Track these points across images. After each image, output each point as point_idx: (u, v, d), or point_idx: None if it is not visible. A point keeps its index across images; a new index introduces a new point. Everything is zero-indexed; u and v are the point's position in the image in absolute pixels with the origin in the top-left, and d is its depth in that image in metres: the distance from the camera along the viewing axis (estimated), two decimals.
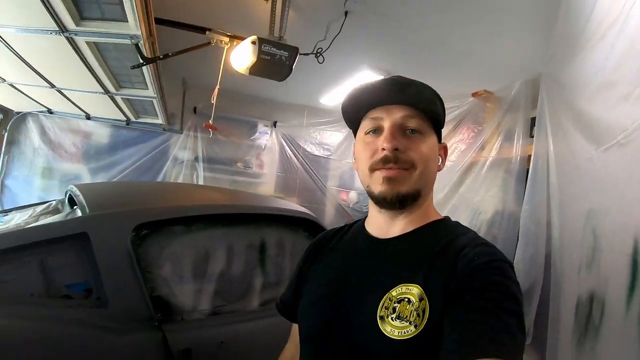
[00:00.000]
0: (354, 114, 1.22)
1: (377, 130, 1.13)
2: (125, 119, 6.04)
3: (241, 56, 3.18)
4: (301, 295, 1.28)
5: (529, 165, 3.79)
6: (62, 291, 1.82)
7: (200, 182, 6.59)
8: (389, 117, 1.12)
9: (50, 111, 5.94)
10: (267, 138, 7.11)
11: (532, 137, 3.77)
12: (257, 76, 3.32)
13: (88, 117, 6.11)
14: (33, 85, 4.43)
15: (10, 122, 5.87)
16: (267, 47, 3.06)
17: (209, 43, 3.44)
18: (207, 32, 3.40)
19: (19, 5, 2.54)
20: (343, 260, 1.23)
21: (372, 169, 1.10)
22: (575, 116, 2.55)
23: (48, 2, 2.37)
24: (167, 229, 2.12)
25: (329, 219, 7.23)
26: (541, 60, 3.56)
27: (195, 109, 6.52)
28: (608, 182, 2.10)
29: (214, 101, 3.65)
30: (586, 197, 2.29)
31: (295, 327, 1.39)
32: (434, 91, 1.17)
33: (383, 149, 1.07)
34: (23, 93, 4.84)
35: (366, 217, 1.27)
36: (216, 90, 3.60)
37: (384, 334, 0.95)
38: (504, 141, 4.64)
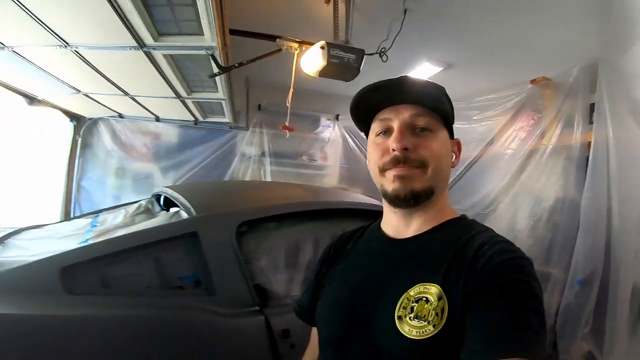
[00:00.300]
0: (363, 115, 1.22)
1: (387, 132, 1.13)
2: (193, 119, 6.32)
3: (311, 61, 3.36)
4: (319, 299, 1.30)
5: (589, 152, 3.77)
6: (175, 283, 2.11)
7: (268, 176, 6.82)
8: (397, 117, 1.12)
9: (121, 115, 6.27)
10: (330, 131, 7.27)
11: (592, 123, 3.78)
12: (326, 78, 3.50)
13: (157, 119, 6.43)
14: (107, 94, 4.71)
15: (83, 128, 6.22)
16: (335, 51, 3.22)
17: (280, 50, 3.65)
18: (277, 40, 3.60)
19: (99, 26, 2.72)
20: (359, 263, 1.24)
21: (383, 170, 1.12)
22: (634, 104, 2.57)
23: (129, 22, 2.57)
24: (263, 225, 2.39)
25: None
26: (598, 46, 3.60)
27: (259, 106, 6.77)
28: None
29: (289, 104, 3.90)
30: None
31: (314, 331, 1.43)
32: (441, 88, 1.18)
33: (393, 150, 1.08)
34: (96, 101, 5.12)
35: (382, 218, 1.27)
36: (290, 94, 3.87)
37: (402, 334, 0.96)
38: (564, 128, 4.60)
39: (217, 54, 3.11)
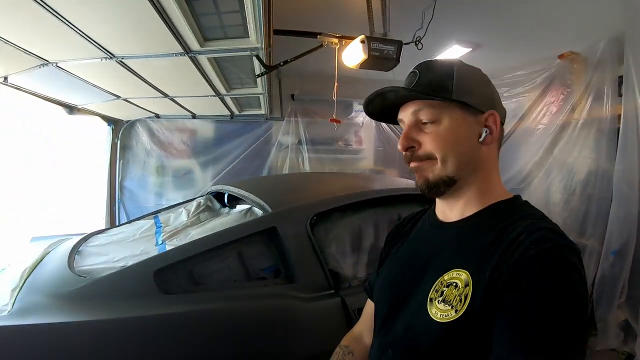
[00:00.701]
0: (384, 117, 1.26)
1: None
2: (229, 113, 6.50)
3: (352, 54, 3.52)
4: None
5: (619, 124, 3.85)
6: (259, 274, 2.34)
7: (306, 164, 7.03)
8: (406, 117, 1.14)
9: (157, 116, 6.49)
10: (363, 115, 7.38)
11: (621, 95, 3.85)
12: (367, 69, 3.67)
13: (194, 117, 6.63)
14: (146, 97, 4.88)
15: (121, 130, 6.46)
16: (375, 44, 3.37)
17: (321, 46, 3.81)
18: (318, 37, 3.75)
19: (145, 36, 2.84)
20: (411, 245, 1.28)
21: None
22: None
23: (176, 30, 2.70)
24: (330, 215, 2.62)
25: None
26: (624, 19, 3.71)
27: (292, 96, 6.94)
28: None
29: (334, 97, 4.03)
30: None
31: (368, 306, 1.53)
32: (445, 67, 1.13)
33: (399, 150, 1.13)
34: (134, 104, 5.31)
35: None
36: (335, 88, 4.01)
37: (429, 315, 0.99)
38: (594, 101, 4.63)
39: (261, 54, 3.26)
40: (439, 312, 0.97)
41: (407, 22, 3.82)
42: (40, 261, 2.47)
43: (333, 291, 2.38)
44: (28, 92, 4.28)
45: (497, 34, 4.89)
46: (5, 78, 3.75)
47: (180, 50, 3.06)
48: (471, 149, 1.09)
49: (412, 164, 1.13)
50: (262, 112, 6.42)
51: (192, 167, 6.93)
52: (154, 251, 2.45)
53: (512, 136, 6.57)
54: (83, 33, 2.63)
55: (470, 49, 5.29)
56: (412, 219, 1.39)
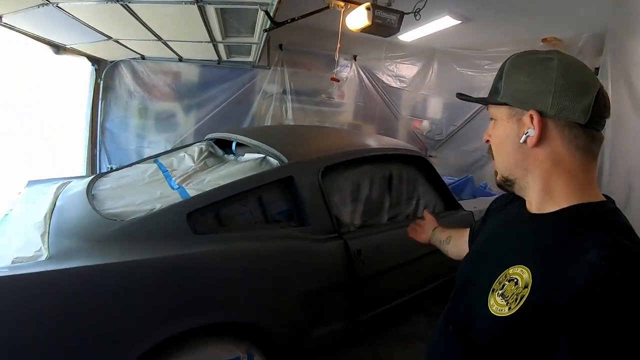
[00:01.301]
0: None
1: None
2: (217, 58, 6.50)
3: (357, 19, 3.75)
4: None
5: None
6: (275, 217, 2.64)
7: (289, 113, 7.24)
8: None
9: (143, 57, 6.46)
10: (347, 71, 7.62)
11: None
12: (367, 34, 3.90)
13: (180, 60, 6.62)
14: (138, 39, 4.94)
15: (105, 71, 6.40)
16: (379, 12, 3.61)
17: (328, 7, 3.98)
18: None
19: None
20: (499, 226, 1.24)
21: None
22: (628, 83, 2.98)
23: None
24: (336, 168, 2.93)
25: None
26: (609, 20, 4.02)
27: (280, 46, 7.05)
28: None
29: (337, 58, 4.24)
30: (626, 158, 2.71)
31: (467, 234, 1.63)
32: (501, 68, 1.11)
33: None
34: (123, 45, 5.33)
35: None
36: (337, 49, 4.21)
37: (487, 305, 0.98)
38: None
39: (271, 9, 3.41)
40: (496, 305, 0.96)
41: None
42: (54, 206, 2.63)
43: (337, 234, 2.72)
44: (20, 32, 4.31)
45: (488, 11, 5.15)
46: (0, 17, 3.78)
47: None
48: (515, 151, 1.05)
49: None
50: (251, 59, 6.49)
51: (175, 110, 6.96)
52: (174, 194, 2.62)
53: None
54: None
55: (460, 22, 5.58)
56: (508, 198, 1.32)
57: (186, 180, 2.90)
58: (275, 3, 3.23)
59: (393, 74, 8.03)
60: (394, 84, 8.07)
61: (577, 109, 0.95)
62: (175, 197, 2.53)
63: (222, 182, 2.58)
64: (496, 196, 1.45)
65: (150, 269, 2.00)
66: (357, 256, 2.69)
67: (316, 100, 7.57)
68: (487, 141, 1.15)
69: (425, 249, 3.16)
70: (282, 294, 2.44)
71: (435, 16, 5.44)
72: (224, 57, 6.36)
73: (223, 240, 2.29)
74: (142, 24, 3.96)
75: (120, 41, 5.03)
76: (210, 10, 3.56)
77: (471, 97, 1.20)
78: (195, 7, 3.39)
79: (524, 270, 0.95)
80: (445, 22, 5.61)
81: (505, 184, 1.12)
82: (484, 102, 1.13)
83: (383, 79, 7.96)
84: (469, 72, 7.38)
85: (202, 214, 2.33)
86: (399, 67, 8.01)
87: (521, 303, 0.90)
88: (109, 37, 4.69)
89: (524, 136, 1.01)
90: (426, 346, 1.27)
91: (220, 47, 5.47)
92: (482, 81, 7.05)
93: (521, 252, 1.00)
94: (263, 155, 2.99)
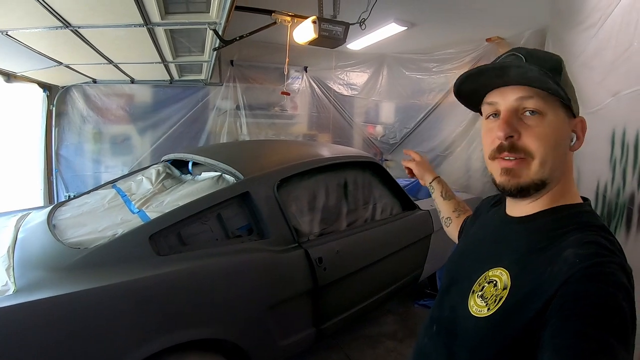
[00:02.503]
0: (470, 99, 1.15)
1: (497, 114, 1.05)
2: (169, 78, 6.49)
3: (304, 33, 3.82)
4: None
5: None
6: (235, 233, 2.69)
7: (244, 128, 7.27)
8: (504, 101, 1.02)
9: (94, 81, 6.37)
10: (299, 82, 7.72)
11: None
12: (314, 46, 3.96)
13: (132, 81, 6.57)
14: (90, 64, 4.90)
15: (57, 97, 6.29)
16: (325, 25, 3.67)
17: (275, 22, 4.06)
18: (272, 14, 4.00)
19: (110, 8, 2.95)
20: (480, 229, 1.28)
21: (492, 157, 1.04)
22: (571, 75, 3.15)
23: (142, 3, 2.82)
24: (291, 179, 3.01)
25: None
26: (549, 17, 4.22)
27: (232, 62, 7.09)
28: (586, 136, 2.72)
29: (286, 72, 4.31)
30: None
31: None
32: (554, 62, 1.03)
33: (498, 138, 1.00)
34: (74, 70, 5.27)
35: None
36: (287, 63, 4.27)
37: (467, 306, 1.01)
38: None
39: (219, 28, 3.45)
40: (476, 306, 0.98)
41: (354, 3, 4.13)
42: (16, 239, 2.60)
43: (297, 244, 2.80)
44: None
45: (432, 15, 5.33)
46: None
47: (141, 22, 3.18)
48: (565, 153, 1.02)
49: (507, 163, 1.01)
50: (202, 77, 6.51)
51: (130, 133, 6.90)
52: (134, 218, 2.66)
53: (439, 108, 7.19)
54: (45, 3, 2.70)
55: (406, 27, 5.75)
56: (491, 201, 1.34)
57: (146, 203, 2.93)
58: (223, 22, 3.27)
59: (344, 83, 8.18)
60: (345, 92, 8.22)
61: (577, 108, 1.04)
62: (136, 221, 2.57)
63: (181, 203, 2.61)
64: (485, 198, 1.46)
65: (117, 294, 2.03)
66: (318, 263, 2.77)
67: (270, 113, 7.65)
68: (509, 137, 0.99)
69: (387, 251, 3.28)
70: (248, 307, 2.50)
71: (381, 24, 5.58)
72: (175, 76, 6.34)
73: (186, 260, 2.34)
74: (93, 48, 3.96)
75: (71, 66, 4.98)
76: (160, 32, 3.58)
77: (526, 65, 0.99)
78: (144, 30, 3.41)
79: (503, 272, 0.98)
80: (391, 29, 5.77)
81: (534, 189, 1.01)
82: (555, 91, 0.95)
83: (335, 88, 8.11)
84: (417, 76, 7.60)
85: (164, 236, 2.37)
86: (349, 75, 8.16)
87: (500, 304, 0.93)
88: (60, 63, 4.66)
89: (574, 141, 1.03)
90: (415, 344, 1.28)
91: (172, 66, 5.47)
92: (431, 83, 7.33)
93: (501, 255, 1.03)
94: (219, 173, 3.04)
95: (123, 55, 4.72)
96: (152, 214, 2.62)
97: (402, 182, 4.40)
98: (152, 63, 5.02)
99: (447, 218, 1.78)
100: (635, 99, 2.02)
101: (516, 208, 1.10)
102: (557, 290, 0.83)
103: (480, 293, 1.00)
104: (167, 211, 2.50)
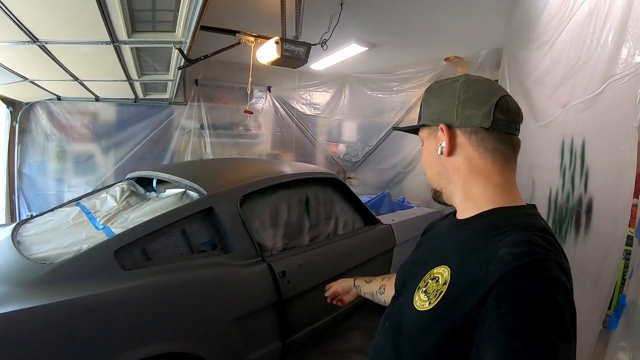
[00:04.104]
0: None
1: None
2: (133, 96, 6.46)
3: (266, 53, 3.91)
4: None
5: None
6: (200, 248, 2.73)
7: (208, 148, 7.30)
8: None
9: (59, 98, 6.28)
10: (262, 102, 7.83)
11: None
12: (277, 66, 4.06)
13: (97, 99, 6.49)
14: (55, 80, 4.84)
15: (20, 113, 6.13)
16: (287, 46, 3.78)
17: (239, 43, 4.15)
18: (236, 35, 4.09)
19: (78, 24, 2.90)
20: (432, 236, 1.33)
21: None
22: (524, 91, 3.26)
23: (110, 21, 2.82)
24: (254, 195, 3.07)
25: None
26: (503, 36, 4.40)
27: (196, 81, 7.14)
28: (538, 147, 2.82)
29: (249, 91, 4.38)
30: (528, 156, 2.94)
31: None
32: (428, 90, 1.21)
33: None
34: (39, 86, 5.18)
35: None
36: (249, 83, 4.35)
37: (412, 301, 1.05)
38: None
39: (184, 47, 3.48)
40: (419, 300, 1.03)
41: (316, 24, 4.24)
42: None
43: (260, 258, 2.86)
44: None
45: (392, 36, 5.48)
46: None
47: (108, 39, 3.18)
48: (437, 163, 1.16)
49: None
50: (167, 96, 6.50)
51: (93, 151, 6.80)
52: (99, 234, 2.65)
53: (399, 125, 7.28)
54: (12, 15, 2.66)
55: (367, 48, 5.90)
56: (452, 213, 1.35)
57: (110, 220, 2.93)
58: (188, 41, 3.31)
59: (307, 102, 8.30)
60: (308, 112, 8.34)
61: (479, 115, 1.06)
62: (101, 237, 2.57)
63: (145, 219, 2.64)
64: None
65: (83, 308, 2.05)
66: (282, 277, 2.83)
67: (234, 133, 7.69)
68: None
69: (350, 264, 3.34)
70: (213, 321, 2.53)
71: (343, 45, 5.70)
72: (140, 95, 6.31)
73: (151, 274, 2.36)
74: (59, 64, 3.92)
75: (36, 82, 4.88)
76: (126, 50, 3.59)
77: (404, 127, 1.29)
78: (111, 47, 3.41)
79: (445, 269, 1.02)
80: (353, 49, 5.91)
81: (436, 196, 1.20)
82: (414, 129, 1.24)
83: (298, 108, 8.21)
84: (379, 95, 7.75)
85: (129, 250, 2.40)
86: (312, 94, 8.29)
87: (439, 298, 0.96)
88: (25, 78, 4.59)
89: (440, 148, 1.11)
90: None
91: (137, 85, 5.45)
92: (392, 102, 7.49)
93: (446, 254, 1.07)
94: (183, 190, 3.07)
95: (89, 73, 4.69)
96: (117, 229, 2.63)
97: (364, 198, 4.49)
98: (118, 81, 4.99)
99: (379, 288, 1.75)
100: (581, 109, 2.14)
101: (460, 212, 1.16)
102: (492, 287, 0.85)
103: (424, 289, 1.04)
104: (131, 227, 2.53)
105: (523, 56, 3.47)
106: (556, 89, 2.59)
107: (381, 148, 8.09)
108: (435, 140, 1.13)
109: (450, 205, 1.20)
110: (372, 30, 5.31)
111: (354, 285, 1.89)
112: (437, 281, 1.01)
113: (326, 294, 1.97)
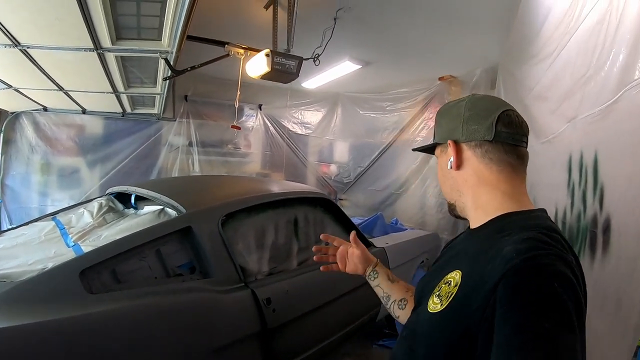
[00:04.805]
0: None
1: None
2: (121, 110, 6.35)
3: (256, 66, 3.76)
4: None
5: None
6: (176, 271, 2.50)
7: (196, 166, 7.16)
8: None
9: (45, 109, 6.19)
10: (253, 120, 7.71)
11: None
12: (268, 80, 3.91)
13: (84, 112, 6.39)
14: (39, 89, 4.72)
15: (5, 123, 6.05)
16: (278, 59, 3.63)
17: (228, 54, 4.00)
18: (225, 46, 3.95)
19: (60, 29, 2.80)
20: (446, 251, 1.38)
21: None
22: (523, 108, 3.16)
23: (92, 26, 2.71)
24: (238, 215, 2.85)
25: None
26: (499, 54, 4.33)
27: (186, 97, 7.03)
28: (540, 165, 2.71)
29: (236, 105, 4.22)
30: (529, 174, 2.90)
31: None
32: (438, 113, 1.31)
33: None
34: (24, 95, 5.08)
35: None
36: (237, 96, 4.18)
37: (427, 306, 1.10)
38: None
39: (170, 57, 3.36)
40: (433, 304, 1.07)
41: (309, 39, 4.14)
42: None
43: (243, 284, 2.62)
44: None
45: (386, 55, 5.42)
46: None
47: (91, 46, 3.07)
48: (448, 178, 1.26)
49: None
50: (155, 111, 6.40)
51: (79, 165, 6.67)
52: (68, 252, 2.46)
53: (392, 146, 7.23)
54: None
55: (361, 66, 5.81)
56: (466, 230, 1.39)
57: (83, 237, 2.73)
58: (175, 51, 3.20)
59: (298, 121, 8.20)
60: (299, 131, 8.24)
61: (482, 129, 1.14)
62: (69, 255, 2.36)
63: (118, 237, 2.42)
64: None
65: (40, 334, 1.81)
66: (266, 304, 2.59)
67: (223, 151, 7.57)
68: None
69: (341, 290, 3.12)
70: (189, 351, 2.28)
71: (335, 62, 5.62)
72: (128, 109, 6.24)
73: (121, 299, 2.13)
74: (42, 71, 3.81)
75: (21, 90, 4.78)
76: (111, 58, 3.48)
77: (420, 147, 1.39)
78: (95, 55, 3.29)
79: (457, 273, 1.07)
80: (346, 67, 5.82)
81: (451, 209, 1.29)
82: (429, 148, 1.34)
83: (289, 127, 8.12)
84: (371, 114, 7.66)
85: (97, 272, 2.16)
86: (304, 114, 8.21)
87: (450, 299, 1.01)
88: (10, 86, 4.48)
89: (449, 163, 1.21)
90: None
91: (124, 98, 5.35)
92: (385, 122, 7.39)
93: (458, 260, 1.14)
94: (162, 207, 2.88)
95: (74, 82, 4.59)
96: (87, 248, 2.43)
97: (356, 220, 4.30)
98: (104, 93, 4.90)
99: (400, 300, 1.58)
100: (590, 121, 2.03)
101: (473, 222, 1.23)
102: (497, 283, 0.89)
103: (437, 293, 1.09)
104: (101, 245, 2.31)
105: (522, 73, 3.38)
106: (561, 103, 2.51)
107: (373, 169, 7.98)
108: (446, 156, 1.24)
109: (464, 219, 1.27)
110: (365, 48, 5.24)
111: (372, 269, 1.67)
112: (449, 284, 1.06)
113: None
